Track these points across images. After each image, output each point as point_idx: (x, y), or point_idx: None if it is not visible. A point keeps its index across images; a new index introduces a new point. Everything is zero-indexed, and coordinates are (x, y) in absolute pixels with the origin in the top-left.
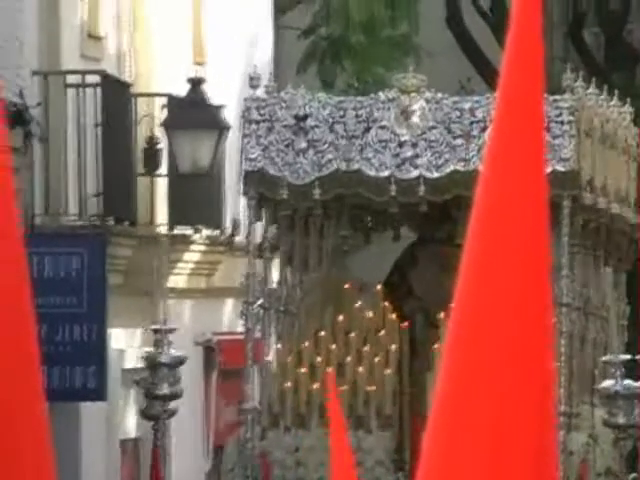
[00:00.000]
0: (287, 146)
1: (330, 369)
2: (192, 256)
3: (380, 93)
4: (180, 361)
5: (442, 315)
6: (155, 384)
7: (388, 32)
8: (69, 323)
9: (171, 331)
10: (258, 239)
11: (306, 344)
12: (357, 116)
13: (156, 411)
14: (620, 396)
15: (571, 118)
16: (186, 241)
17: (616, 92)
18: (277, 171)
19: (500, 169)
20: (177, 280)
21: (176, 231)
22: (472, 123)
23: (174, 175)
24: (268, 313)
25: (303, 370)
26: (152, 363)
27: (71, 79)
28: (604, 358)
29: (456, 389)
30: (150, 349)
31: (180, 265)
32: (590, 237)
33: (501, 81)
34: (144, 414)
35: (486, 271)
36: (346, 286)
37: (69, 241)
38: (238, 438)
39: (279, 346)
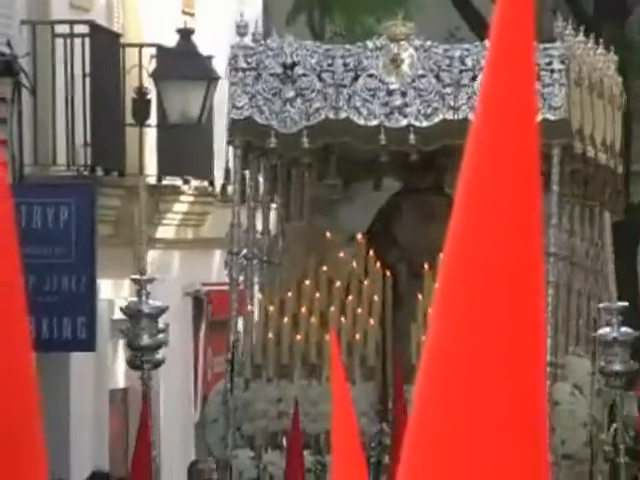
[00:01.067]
0: (275, 95)
1: (313, 319)
2: (181, 207)
3: (368, 41)
4: (161, 311)
5: (426, 266)
6: (137, 334)
7: None
8: (58, 273)
9: (150, 281)
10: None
11: (289, 294)
12: (345, 64)
13: (139, 361)
14: (617, 343)
15: (561, 66)
16: (175, 192)
17: (601, 41)
18: (264, 120)
19: (492, 117)
20: (166, 231)
21: (165, 181)
22: (462, 71)
23: (163, 126)
24: (251, 263)
25: (285, 320)
26: (132, 313)
27: (60, 29)
28: (601, 305)
29: (445, 346)
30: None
31: (169, 216)
32: (579, 187)
33: (492, 30)
34: (129, 364)
35: (477, 222)
36: (328, 235)
37: (58, 191)
38: (224, 389)
39: (261, 296)
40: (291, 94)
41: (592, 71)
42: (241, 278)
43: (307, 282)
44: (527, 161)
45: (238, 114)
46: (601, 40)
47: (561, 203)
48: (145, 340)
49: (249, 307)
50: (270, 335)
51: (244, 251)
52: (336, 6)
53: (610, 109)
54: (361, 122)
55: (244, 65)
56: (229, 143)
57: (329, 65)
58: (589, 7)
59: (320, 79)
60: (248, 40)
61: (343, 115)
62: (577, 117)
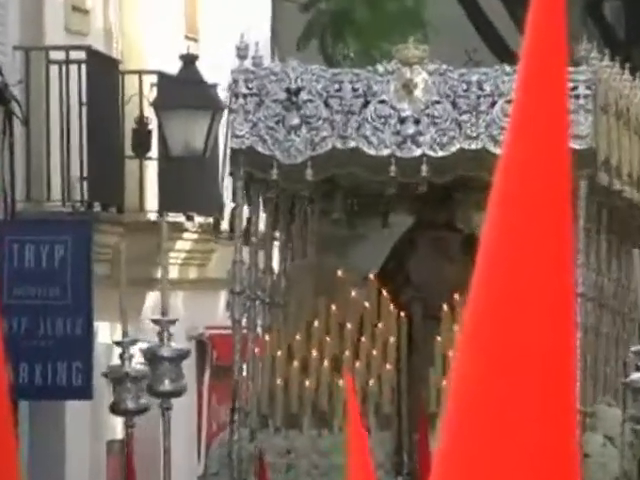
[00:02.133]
0: (278, 122)
1: (326, 364)
2: (184, 245)
3: (379, 65)
4: (183, 354)
5: (445, 307)
6: (157, 379)
7: (394, 6)
8: (52, 316)
9: (173, 322)
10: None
11: (297, 337)
12: (354, 90)
13: (126, 406)
14: None
15: (588, 92)
16: (178, 229)
17: (627, 65)
18: (267, 149)
19: (522, 148)
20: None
21: (167, 218)
22: (479, 97)
23: (165, 158)
24: (254, 304)
25: (295, 365)
26: (152, 357)
27: (55, 55)
28: (633, 349)
29: (473, 388)
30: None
31: (171, 254)
32: (604, 222)
33: (523, 56)
34: (112, 409)
35: (506, 259)
36: (339, 274)
37: (52, 228)
38: (227, 440)
39: (268, 339)
40: (295, 122)
41: (618, 98)
42: (244, 320)
43: (316, 324)
44: (559, 194)
45: (239, 143)
46: (627, 65)
47: (588, 239)
48: (167, 386)
49: (255, 350)
50: (278, 381)
51: (247, 291)
52: (350, 30)
53: (637, 140)
54: (371, 152)
55: (245, 90)
56: (230, 175)
57: (337, 91)
58: (620, 31)
59: (327, 105)
60: (249, 64)
61: (352, 144)
62: (603, 147)
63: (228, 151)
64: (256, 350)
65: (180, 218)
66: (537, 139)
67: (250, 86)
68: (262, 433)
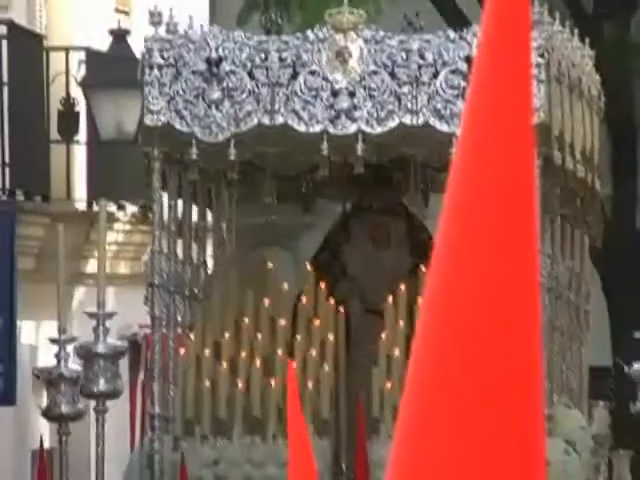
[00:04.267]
0: (197, 96)
1: (258, 364)
2: (115, 236)
3: (309, 32)
4: (120, 352)
5: (390, 300)
6: (90, 379)
7: None
8: None
9: (110, 316)
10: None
11: (226, 335)
12: (282, 59)
13: (60, 410)
14: None
15: (540, 60)
16: (109, 219)
17: (576, 32)
18: (185, 126)
19: (484, 120)
20: (97, 264)
21: (96, 208)
22: (421, 67)
23: (94, 142)
24: (173, 298)
25: (223, 366)
26: (86, 354)
27: None
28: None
29: (431, 391)
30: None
31: None
32: (558, 204)
33: (485, 20)
34: (45, 415)
35: (467, 246)
36: (269, 265)
37: None
38: (147, 449)
39: (192, 337)
40: (217, 95)
41: (571, 67)
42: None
43: (246, 321)
44: (524, 170)
45: (153, 120)
46: (576, 32)
47: (542, 224)
48: (101, 386)
49: (179, 350)
50: (206, 384)
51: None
52: (295, 3)
53: (589, 113)
54: (301, 128)
55: (160, 61)
56: (145, 155)
57: (262, 60)
58: (588, 4)
59: (252, 77)
60: (162, 31)
61: (279, 120)
62: (558, 121)
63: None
64: (180, 350)
65: (111, 207)
66: (500, 109)
67: (165, 56)
68: (187, 441)
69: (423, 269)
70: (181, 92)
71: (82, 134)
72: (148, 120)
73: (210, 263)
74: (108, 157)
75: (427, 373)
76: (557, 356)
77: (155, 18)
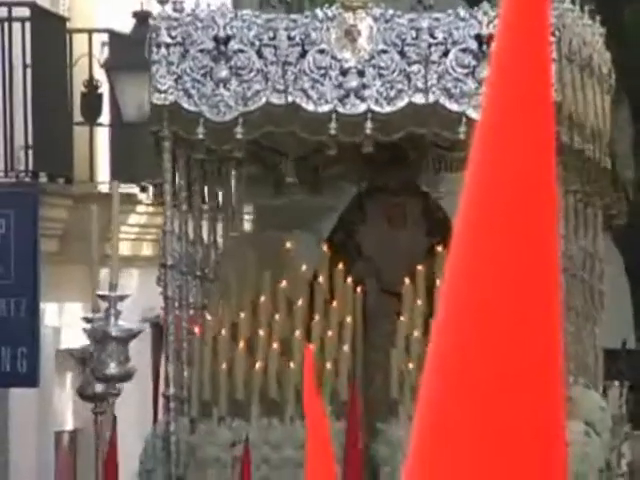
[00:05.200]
0: (205, 75)
1: (275, 345)
2: (138, 219)
3: (318, 10)
4: (132, 335)
5: (407, 281)
6: (103, 361)
7: None
8: None
9: (122, 298)
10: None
11: (242, 315)
12: (290, 38)
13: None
14: None
15: (551, 38)
16: (131, 201)
17: (586, 9)
18: (193, 105)
19: (504, 101)
20: (121, 246)
21: (120, 189)
22: (431, 46)
23: (117, 124)
24: (186, 278)
25: (240, 347)
26: (98, 336)
27: None
28: None
29: (454, 375)
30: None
31: (124, 229)
32: (569, 183)
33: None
34: (80, 394)
35: (489, 229)
36: (288, 245)
37: None
38: (163, 431)
39: (209, 318)
40: (225, 74)
41: (582, 45)
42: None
43: (262, 301)
44: (545, 152)
45: (161, 99)
46: (586, 8)
47: None
48: (112, 369)
49: (195, 330)
50: (222, 365)
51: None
52: None
53: (600, 92)
54: (310, 107)
55: (168, 40)
56: (153, 134)
57: (271, 39)
58: None
59: (260, 56)
60: (169, 9)
61: (288, 99)
62: (568, 100)
63: (150, 107)
64: (195, 330)
65: (133, 189)
66: (520, 91)
67: (173, 34)
68: (203, 423)
69: (439, 249)
70: (189, 71)
71: (105, 116)
72: (155, 99)
73: (221, 244)
74: (130, 139)
75: (447, 355)
76: (572, 336)
77: None
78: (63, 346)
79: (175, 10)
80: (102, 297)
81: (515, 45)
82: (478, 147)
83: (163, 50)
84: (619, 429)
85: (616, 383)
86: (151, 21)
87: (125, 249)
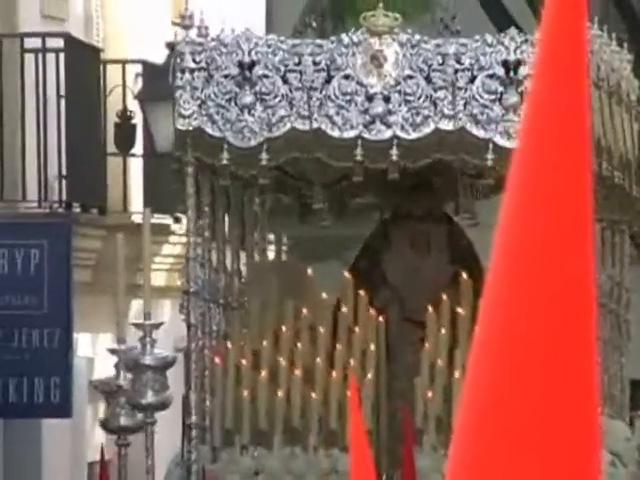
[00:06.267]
0: (229, 100)
1: (297, 373)
2: (171, 249)
3: (344, 35)
4: (168, 363)
5: (430, 309)
6: (138, 390)
7: None
8: (28, 327)
9: (157, 326)
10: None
11: (264, 343)
12: (315, 63)
13: (118, 423)
14: None
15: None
16: (164, 232)
17: (614, 36)
18: (217, 131)
19: (540, 133)
20: (154, 276)
21: (153, 220)
22: (457, 71)
23: (150, 155)
24: (208, 306)
25: (262, 375)
26: (134, 365)
27: (30, 43)
28: None
29: (489, 401)
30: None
31: (157, 259)
32: (598, 211)
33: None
34: (103, 427)
35: (525, 258)
36: (309, 273)
37: (28, 231)
38: (182, 459)
39: (230, 346)
40: (249, 100)
41: (610, 72)
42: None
43: (284, 329)
44: (581, 182)
45: (185, 124)
46: (614, 35)
47: None
48: (150, 397)
49: (215, 359)
50: (244, 393)
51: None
52: (351, 12)
53: (628, 119)
54: (335, 134)
55: (192, 65)
56: (177, 160)
57: (296, 64)
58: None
59: (285, 81)
60: (194, 34)
61: (313, 125)
62: (596, 127)
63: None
64: (216, 359)
65: (167, 220)
66: (557, 121)
67: (197, 59)
68: (226, 452)
69: (464, 276)
70: (213, 96)
71: (138, 147)
72: (179, 125)
73: (244, 272)
74: (164, 169)
75: (485, 386)
76: (600, 366)
77: (186, 21)
78: (96, 376)
79: (200, 35)
80: (137, 325)
81: (553, 75)
82: (515, 177)
83: (187, 75)
84: None
85: None
86: (175, 46)
87: (158, 280)
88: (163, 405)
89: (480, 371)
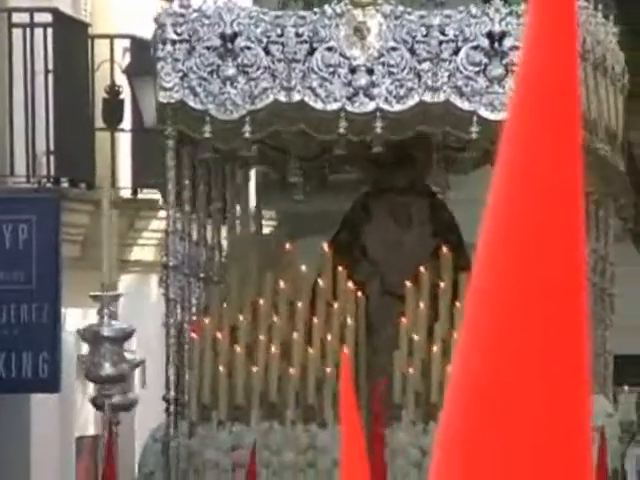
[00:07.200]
0: (211, 72)
1: (274, 348)
2: (160, 224)
3: (327, 6)
4: (127, 334)
5: (408, 284)
6: (96, 363)
7: None
8: (16, 302)
9: (116, 298)
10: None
11: (241, 318)
12: (298, 35)
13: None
14: None
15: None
16: (152, 207)
17: (600, 7)
18: (199, 103)
19: (529, 109)
20: (142, 252)
21: (141, 195)
22: (441, 43)
23: (139, 130)
24: (188, 280)
25: (239, 350)
26: (91, 337)
27: (18, 18)
28: None
29: (479, 381)
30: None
31: (145, 235)
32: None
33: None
34: (94, 403)
35: (515, 236)
36: (288, 246)
37: (16, 206)
38: (162, 434)
39: (207, 321)
40: (231, 72)
41: (596, 44)
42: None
43: (262, 303)
44: (571, 158)
45: (167, 97)
46: (600, 7)
47: None
48: (107, 369)
49: (192, 334)
50: (221, 368)
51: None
52: None
53: (613, 91)
54: (318, 106)
55: (173, 36)
56: (160, 133)
57: (278, 36)
58: None
59: (267, 53)
60: (176, 5)
61: (296, 97)
62: (582, 99)
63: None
64: (192, 334)
65: (155, 195)
66: (547, 99)
67: (179, 31)
68: (203, 427)
69: (445, 250)
70: (195, 68)
71: (126, 122)
72: (161, 97)
73: (225, 245)
74: (152, 144)
75: (472, 365)
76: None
77: None
78: (84, 351)
79: (181, 6)
80: (95, 297)
81: (542, 47)
82: (504, 151)
83: (169, 47)
84: (628, 436)
85: (626, 388)
86: (156, 17)
87: (146, 255)
88: (121, 377)
89: (470, 349)
